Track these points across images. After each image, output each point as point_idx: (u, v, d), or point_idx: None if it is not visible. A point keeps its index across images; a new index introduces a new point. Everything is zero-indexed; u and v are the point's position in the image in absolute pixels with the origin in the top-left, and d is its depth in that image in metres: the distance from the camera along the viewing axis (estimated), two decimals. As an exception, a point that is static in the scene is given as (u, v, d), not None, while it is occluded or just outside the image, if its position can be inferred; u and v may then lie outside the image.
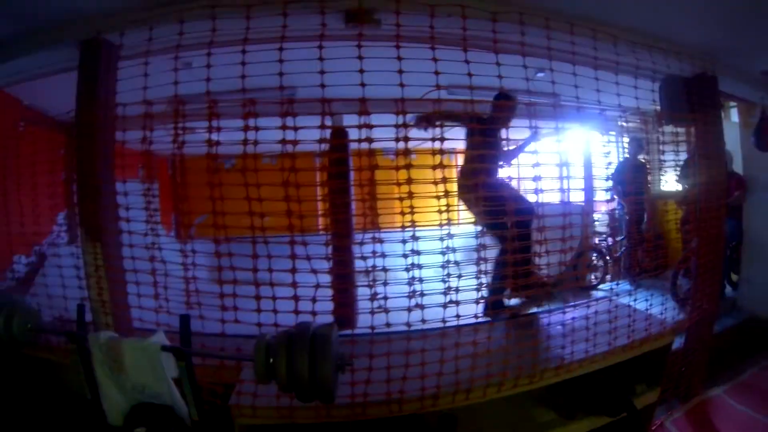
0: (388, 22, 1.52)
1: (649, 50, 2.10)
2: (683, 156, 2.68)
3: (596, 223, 4.36)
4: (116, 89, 1.77)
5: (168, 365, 1.28)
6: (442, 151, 1.54)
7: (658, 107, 2.42)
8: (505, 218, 1.90)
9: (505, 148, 2.18)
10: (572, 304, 2.15)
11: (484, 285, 1.69)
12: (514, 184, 2.42)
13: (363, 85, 1.41)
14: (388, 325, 1.51)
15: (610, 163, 3.38)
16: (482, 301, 1.70)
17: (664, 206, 3.92)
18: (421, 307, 1.52)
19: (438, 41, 1.55)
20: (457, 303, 1.57)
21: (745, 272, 3.49)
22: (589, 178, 3.98)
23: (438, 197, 1.60)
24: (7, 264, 2.83)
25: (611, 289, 3.52)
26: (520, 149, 2.33)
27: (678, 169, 2.69)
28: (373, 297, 1.50)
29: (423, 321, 1.53)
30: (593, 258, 4.16)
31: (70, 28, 1.79)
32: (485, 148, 2.18)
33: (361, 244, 1.53)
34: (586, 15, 1.87)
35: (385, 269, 1.57)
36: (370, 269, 1.53)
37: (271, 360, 1.14)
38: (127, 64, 1.74)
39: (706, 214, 2.48)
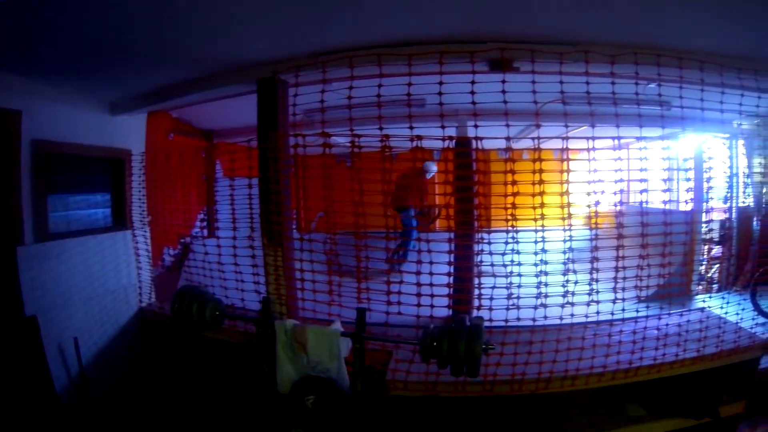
0: (526, 69, 1.82)
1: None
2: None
3: (705, 230, 3.87)
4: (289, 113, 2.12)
5: (342, 347, 1.66)
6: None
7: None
8: None
9: None
10: (667, 311, 2.34)
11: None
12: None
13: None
14: (518, 319, 1.85)
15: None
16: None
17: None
18: (545, 306, 1.83)
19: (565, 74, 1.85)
20: (573, 304, 1.88)
21: None
22: (699, 184, 3.74)
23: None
24: (159, 255, 3.37)
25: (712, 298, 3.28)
26: None
27: None
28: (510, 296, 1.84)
29: (545, 317, 1.85)
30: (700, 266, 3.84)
31: (248, 71, 2.17)
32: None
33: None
34: (694, 48, 2.03)
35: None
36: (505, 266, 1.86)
37: (435, 343, 1.50)
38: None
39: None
